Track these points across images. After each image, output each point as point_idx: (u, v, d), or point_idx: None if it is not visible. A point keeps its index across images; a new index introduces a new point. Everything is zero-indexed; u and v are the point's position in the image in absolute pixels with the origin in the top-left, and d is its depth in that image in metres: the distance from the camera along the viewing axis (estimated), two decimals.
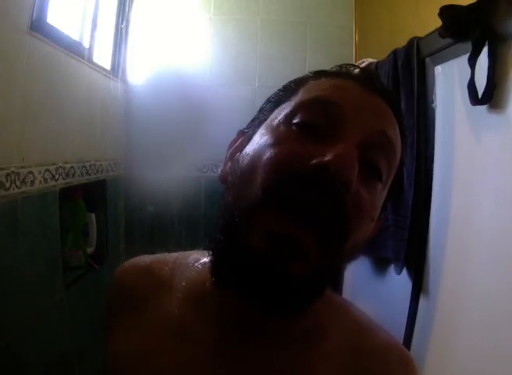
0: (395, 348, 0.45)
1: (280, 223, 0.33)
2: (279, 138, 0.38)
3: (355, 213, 0.35)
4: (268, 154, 0.36)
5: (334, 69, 0.44)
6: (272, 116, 0.42)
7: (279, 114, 0.40)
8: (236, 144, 0.45)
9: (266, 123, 0.42)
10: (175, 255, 0.51)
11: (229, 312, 0.41)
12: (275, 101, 0.44)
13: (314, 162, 0.34)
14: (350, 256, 0.40)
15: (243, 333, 0.41)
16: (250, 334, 0.41)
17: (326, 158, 0.33)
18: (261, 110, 0.45)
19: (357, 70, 0.43)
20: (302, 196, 0.33)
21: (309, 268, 0.34)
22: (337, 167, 0.33)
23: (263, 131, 0.41)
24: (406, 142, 0.43)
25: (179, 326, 0.43)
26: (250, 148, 0.40)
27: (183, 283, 0.46)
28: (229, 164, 0.44)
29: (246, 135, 0.44)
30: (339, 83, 0.41)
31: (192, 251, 0.51)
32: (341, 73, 0.43)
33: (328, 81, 0.41)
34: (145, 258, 0.51)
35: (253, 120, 0.45)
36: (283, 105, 0.42)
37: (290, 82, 0.45)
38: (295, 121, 0.38)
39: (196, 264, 0.47)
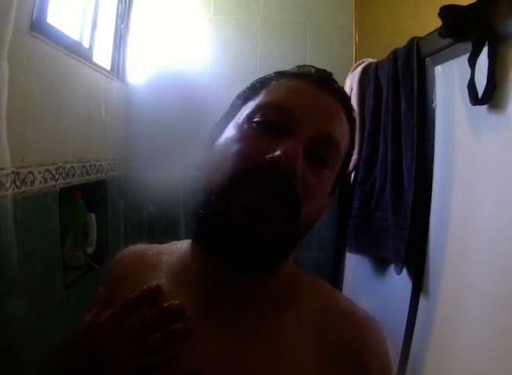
0: (359, 310, 0.52)
1: (255, 198, 0.43)
2: (243, 135, 0.47)
3: (304, 193, 0.45)
4: (233, 149, 0.46)
5: (293, 70, 0.53)
6: (239, 114, 0.50)
7: (244, 112, 0.49)
8: (211, 136, 0.53)
9: (234, 119, 0.51)
10: (164, 244, 0.60)
11: (207, 282, 0.49)
12: (243, 99, 0.52)
13: (267, 157, 0.43)
14: (308, 224, 0.49)
15: (221, 301, 0.48)
16: (228, 301, 0.48)
17: (276, 154, 0.43)
18: (232, 105, 0.54)
19: (313, 71, 0.52)
20: (262, 184, 0.43)
21: (277, 228, 0.44)
22: (285, 161, 0.43)
23: (231, 127, 0.50)
24: (354, 128, 0.53)
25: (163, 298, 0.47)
26: (221, 142, 0.50)
27: (167, 264, 0.54)
28: (205, 153, 0.53)
29: (219, 128, 0.52)
30: (295, 85, 0.50)
31: (178, 241, 0.59)
32: (298, 74, 0.52)
33: (286, 83, 0.50)
34: (138, 246, 0.61)
35: (225, 114, 0.54)
36: (248, 104, 0.50)
37: (256, 81, 0.53)
38: (255, 120, 0.47)
39: (178, 247, 0.56)
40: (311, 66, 0.52)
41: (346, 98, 0.52)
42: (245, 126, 0.48)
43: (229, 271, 0.47)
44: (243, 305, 0.48)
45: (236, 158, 0.45)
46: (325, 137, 0.47)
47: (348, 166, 0.53)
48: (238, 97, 0.54)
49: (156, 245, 0.60)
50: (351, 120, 0.52)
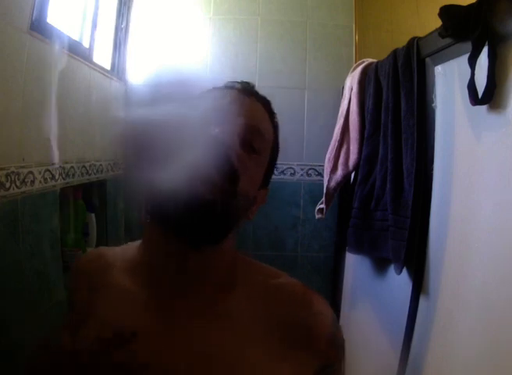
0: (298, 283, 0.59)
1: (199, 168, 0.48)
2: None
3: (240, 166, 0.52)
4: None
5: (228, 84, 0.62)
6: None
7: None
8: None
9: None
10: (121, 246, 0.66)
11: (161, 259, 0.54)
12: None
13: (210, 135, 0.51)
14: (244, 202, 0.54)
15: (169, 287, 0.54)
16: (180, 279, 0.54)
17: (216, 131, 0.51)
18: None
19: (239, 83, 0.61)
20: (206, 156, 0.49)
21: (218, 195, 0.49)
22: (223, 139, 0.51)
23: None
24: (277, 127, 0.62)
25: (120, 290, 0.55)
26: None
27: (120, 261, 0.60)
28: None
29: None
30: (227, 93, 0.59)
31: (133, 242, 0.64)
32: (227, 86, 0.61)
33: (220, 92, 0.59)
34: (99, 249, 0.68)
35: None
36: None
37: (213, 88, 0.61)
38: None
39: (130, 246, 0.62)
40: (237, 81, 0.62)
41: (268, 103, 0.62)
42: None
43: (180, 244, 0.52)
44: (194, 283, 0.54)
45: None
46: (253, 128, 0.56)
47: (274, 164, 0.63)
48: None
49: (112, 247, 0.67)
50: (274, 123, 0.61)
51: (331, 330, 0.57)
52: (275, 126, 0.62)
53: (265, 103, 0.61)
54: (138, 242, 0.60)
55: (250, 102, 0.59)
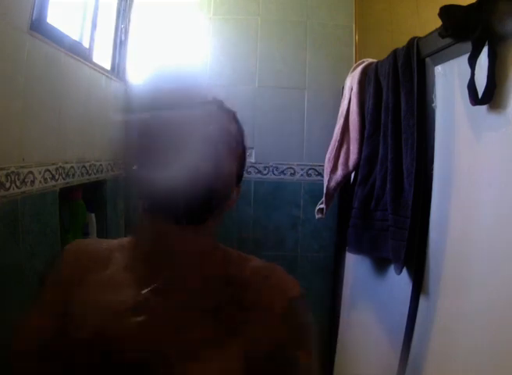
0: (270, 264, 0.66)
1: None
2: None
3: (220, 164, 0.59)
4: None
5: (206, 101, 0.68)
6: None
7: None
8: None
9: None
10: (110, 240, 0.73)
11: (151, 241, 0.63)
12: None
13: None
14: (221, 192, 0.61)
15: (155, 276, 0.61)
16: (168, 258, 0.62)
17: None
18: None
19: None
20: None
21: (201, 187, 0.56)
22: None
23: None
24: (242, 132, 0.69)
25: (111, 279, 0.63)
26: None
27: (112, 253, 0.66)
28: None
29: None
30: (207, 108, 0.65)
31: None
32: (206, 102, 0.67)
33: (203, 105, 0.65)
34: (87, 240, 0.78)
35: None
36: None
37: None
38: None
39: (120, 242, 0.69)
40: (209, 100, 0.69)
41: (234, 113, 0.70)
42: None
43: (167, 223, 0.59)
44: (176, 263, 0.62)
45: None
46: (229, 134, 0.64)
47: (243, 166, 0.69)
48: None
49: (101, 239, 0.75)
50: (240, 129, 0.68)
51: (285, 306, 0.61)
52: (241, 133, 0.69)
53: (233, 114, 0.69)
54: (125, 239, 0.69)
55: (223, 114, 0.67)
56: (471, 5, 0.79)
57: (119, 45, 1.72)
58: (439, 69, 1.02)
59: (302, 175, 1.91)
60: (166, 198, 0.57)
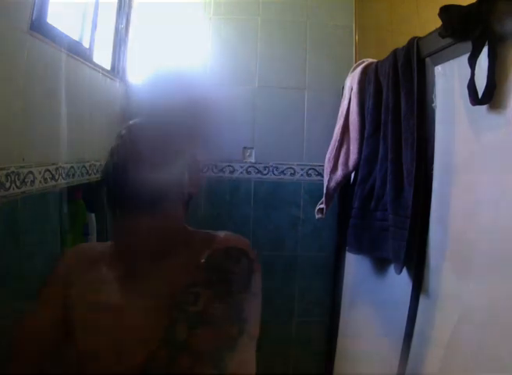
0: (233, 236, 0.73)
1: None
2: None
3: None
4: None
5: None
6: None
7: None
8: None
9: None
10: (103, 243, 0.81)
11: (118, 258, 0.70)
12: None
13: None
14: (168, 183, 0.68)
15: (135, 271, 0.67)
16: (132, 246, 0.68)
17: None
18: None
19: None
20: None
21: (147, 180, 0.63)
22: None
23: None
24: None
25: (100, 278, 0.69)
26: None
27: (99, 255, 0.74)
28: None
29: None
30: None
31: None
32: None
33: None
34: (85, 245, 0.86)
35: None
36: None
37: None
38: None
39: (107, 244, 0.77)
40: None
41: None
42: None
43: (128, 216, 0.67)
44: (145, 251, 0.68)
45: None
46: None
47: (205, 154, 0.77)
48: None
49: (96, 242, 0.84)
50: None
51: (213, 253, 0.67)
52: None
53: None
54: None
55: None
56: (471, 5, 0.79)
57: (119, 45, 1.72)
58: (439, 69, 1.02)
59: (302, 175, 1.91)
60: (118, 190, 0.66)
